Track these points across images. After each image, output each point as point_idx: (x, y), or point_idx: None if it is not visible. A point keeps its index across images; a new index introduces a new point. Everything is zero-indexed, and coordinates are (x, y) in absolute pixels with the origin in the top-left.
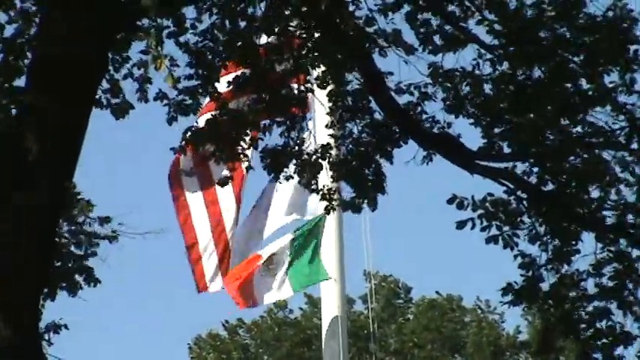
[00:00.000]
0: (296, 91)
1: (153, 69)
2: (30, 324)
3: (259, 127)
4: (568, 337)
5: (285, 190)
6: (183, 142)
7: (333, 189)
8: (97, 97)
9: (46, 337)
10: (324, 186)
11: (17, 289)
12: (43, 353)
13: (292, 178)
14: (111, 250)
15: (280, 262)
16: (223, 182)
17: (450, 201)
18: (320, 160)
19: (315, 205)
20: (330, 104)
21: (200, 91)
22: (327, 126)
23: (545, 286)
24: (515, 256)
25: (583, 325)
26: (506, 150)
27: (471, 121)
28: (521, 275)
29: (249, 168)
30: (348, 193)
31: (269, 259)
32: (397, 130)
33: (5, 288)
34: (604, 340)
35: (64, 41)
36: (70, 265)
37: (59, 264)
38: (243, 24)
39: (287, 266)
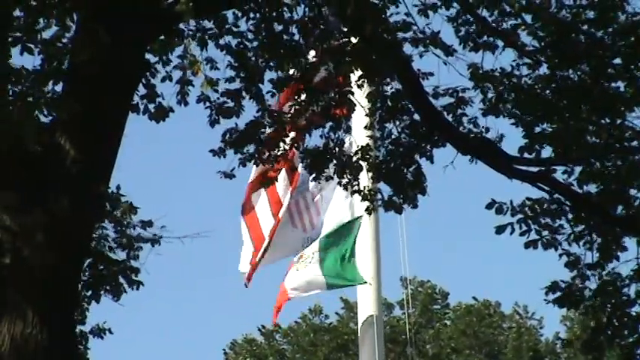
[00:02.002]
0: (337, 94)
1: (191, 74)
2: (66, 329)
3: (300, 128)
4: (613, 340)
5: (330, 196)
6: (223, 144)
7: (374, 190)
8: (135, 102)
9: (90, 341)
10: (364, 187)
11: (52, 295)
12: (79, 358)
13: (332, 178)
14: (148, 254)
15: (311, 259)
16: (267, 183)
17: (488, 206)
18: (360, 161)
19: (350, 207)
20: (369, 105)
21: (243, 93)
22: (366, 127)
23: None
24: (560, 255)
25: (624, 331)
26: (544, 153)
27: (512, 121)
28: (572, 278)
29: (294, 169)
30: (387, 194)
31: (301, 257)
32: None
33: (40, 293)
34: None
35: (101, 47)
36: (114, 268)
37: (102, 267)
38: (280, 27)
39: (319, 263)
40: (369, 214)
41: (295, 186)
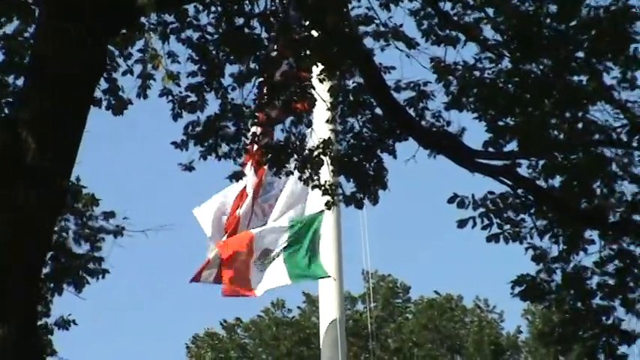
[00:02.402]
0: (298, 88)
1: (152, 68)
2: (29, 322)
3: (261, 122)
4: (576, 334)
5: (287, 188)
6: (185, 137)
7: (335, 184)
8: (97, 97)
9: (55, 333)
10: (325, 181)
11: (14, 288)
12: (42, 351)
13: (292, 173)
14: (112, 247)
15: (274, 255)
16: (237, 177)
17: (450, 200)
18: (321, 156)
19: (313, 202)
20: (331, 99)
21: (205, 87)
22: (327, 121)
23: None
24: (527, 249)
25: (586, 323)
26: (509, 146)
27: (475, 115)
28: (537, 272)
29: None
30: (348, 189)
31: (264, 252)
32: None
33: (3, 288)
34: (607, 339)
35: (62, 42)
36: (77, 261)
37: (64, 260)
38: (241, 20)
39: (282, 256)
40: (329, 208)
41: (260, 187)
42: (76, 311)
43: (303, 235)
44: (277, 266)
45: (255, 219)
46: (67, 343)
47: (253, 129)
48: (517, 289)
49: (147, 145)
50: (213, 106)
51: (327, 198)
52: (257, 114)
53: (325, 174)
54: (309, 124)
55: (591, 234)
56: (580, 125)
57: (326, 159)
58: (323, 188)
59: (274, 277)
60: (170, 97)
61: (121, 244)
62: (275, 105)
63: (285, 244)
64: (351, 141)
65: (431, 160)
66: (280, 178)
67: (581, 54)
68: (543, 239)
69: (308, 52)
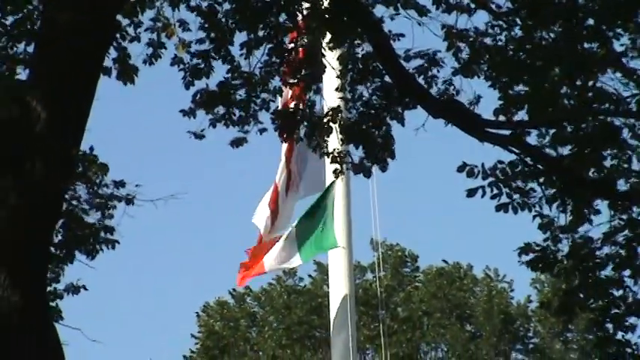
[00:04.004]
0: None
1: (165, 36)
2: (38, 290)
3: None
4: (585, 304)
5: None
6: (194, 105)
7: (343, 152)
8: (106, 65)
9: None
10: (334, 149)
11: (24, 256)
12: (50, 318)
13: (302, 140)
14: (122, 215)
15: (292, 235)
16: (237, 144)
17: (459, 169)
18: (330, 123)
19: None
20: (340, 67)
21: (212, 54)
22: (337, 89)
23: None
24: (534, 217)
25: (596, 294)
26: (519, 115)
27: (489, 83)
28: (544, 240)
29: (262, 131)
30: (357, 157)
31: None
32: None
33: (12, 255)
34: (616, 310)
35: (72, 8)
36: (88, 229)
37: (76, 228)
38: None
39: (296, 237)
40: (337, 176)
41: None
42: (86, 279)
43: (317, 210)
44: (289, 243)
45: (292, 185)
46: (77, 310)
47: (263, 95)
48: (524, 258)
49: (157, 114)
50: (221, 74)
51: (336, 166)
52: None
53: (334, 142)
54: (319, 92)
55: (597, 203)
56: (590, 94)
57: (335, 126)
58: (332, 156)
59: (285, 256)
60: (181, 66)
61: (130, 213)
62: (285, 72)
63: (299, 224)
64: (360, 109)
65: (440, 129)
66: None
67: (590, 21)
68: (552, 208)
69: (317, 21)
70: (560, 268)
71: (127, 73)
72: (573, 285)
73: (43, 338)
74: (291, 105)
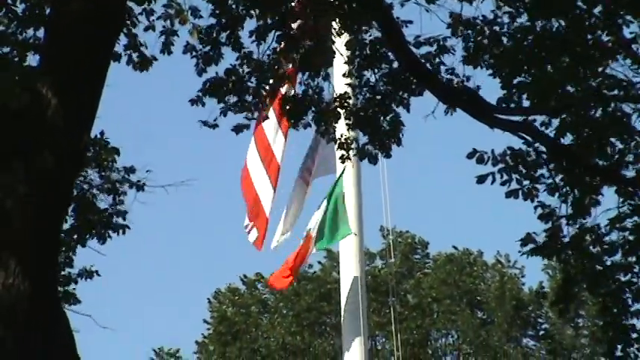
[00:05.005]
0: (316, 42)
1: (178, 23)
2: (48, 278)
3: (281, 76)
4: (589, 290)
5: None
6: (202, 93)
7: (350, 138)
8: (118, 52)
9: (79, 283)
10: (341, 135)
11: (34, 245)
12: (61, 306)
13: (310, 126)
14: (133, 202)
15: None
16: (239, 129)
17: (469, 155)
18: (338, 109)
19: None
20: (348, 53)
21: (222, 40)
22: (344, 75)
23: (566, 238)
24: (536, 207)
25: (604, 280)
26: (525, 103)
27: (490, 72)
28: (544, 231)
29: (265, 118)
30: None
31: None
32: (414, 80)
33: (22, 243)
34: (623, 296)
35: None
36: (99, 215)
37: (87, 213)
38: None
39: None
40: (343, 162)
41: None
42: (100, 263)
43: (329, 198)
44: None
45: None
46: (88, 296)
47: (272, 81)
48: (527, 248)
49: (168, 101)
50: (230, 61)
51: (343, 152)
52: (276, 67)
53: (342, 128)
54: (327, 78)
55: (604, 191)
56: (598, 81)
57: (342, 112)
58: (339, 142)
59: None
60: (194, 53)
61: (142, 199)
62: (293, 58)
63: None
64: (367, 94)
65: (449, 116)
66: (297, 130)
67: (599, 8)
68: (552, 196)
69: (327, 8)
70: (567, 254)
71: (143, 62)
72: (571, 274)
73: (50, 334)
74: (291, 89)
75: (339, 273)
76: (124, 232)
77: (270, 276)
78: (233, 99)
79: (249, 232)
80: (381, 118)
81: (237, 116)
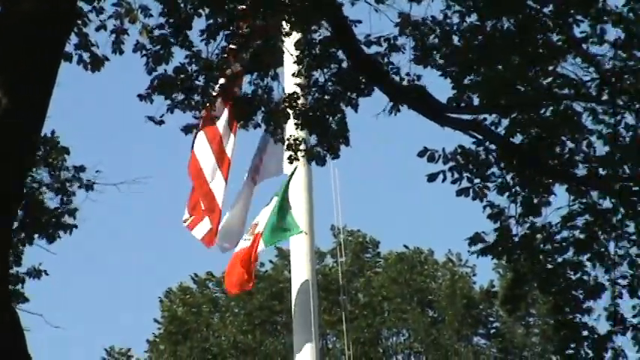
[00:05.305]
0: (265, 41)
1: (128, 22)
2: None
3: (229, 75)
4: (540, 289)
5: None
6: (150, 90)
7: (299, 139)
8: (68, 52)
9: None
10: (290, 136)
11: None
12: (11, 304)
13: (260, 126)
14: (84, 201)
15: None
16: (187, 130)
17: (420, 154)
18: (287, 109)
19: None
20: (298, 53)
21: (171, 39)
22: (294, 74)
23: (516, 238)
24: (485, 207)
25: (555, 278)
26: (476, 102)
27: (441, 72)
28: (495, 230)
29: (215, 118)
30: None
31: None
32: (363, 79)
33: None
34: (575, 293)
35: None
36: (48, 215)
37: (36, 211)
38: None
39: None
40: (291, 162)
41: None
42: (48, 263)
43: (278, 196)
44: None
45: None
46: (38, 296)
47: (221, 81)
48: (474, 247)
49: (118, 99)
50: (180, 59)
51: (291, 153)
52: (225, 67)
53: (291, 128)
54: (276, 77)
55: (552, 190)
56: (549, 79)
57: (292, 112)
58: (287, 143)
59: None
60: (144, 52)
61: (93, 197)
62: (242, 58)
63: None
64: (316, 95)
65: (401, 114)
66: (247, 130)
67: (549, 8)
68: (502, 196)
69: (276, 7)
70: (517, 253)
71: (94, 63)
72: (521, 273)
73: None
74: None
75: (290, 272)
76: (70, 232)
77: (225, 281)
78: (180, 96)
79: (191, 228)
80: (330, 118)
81: (185, 115)
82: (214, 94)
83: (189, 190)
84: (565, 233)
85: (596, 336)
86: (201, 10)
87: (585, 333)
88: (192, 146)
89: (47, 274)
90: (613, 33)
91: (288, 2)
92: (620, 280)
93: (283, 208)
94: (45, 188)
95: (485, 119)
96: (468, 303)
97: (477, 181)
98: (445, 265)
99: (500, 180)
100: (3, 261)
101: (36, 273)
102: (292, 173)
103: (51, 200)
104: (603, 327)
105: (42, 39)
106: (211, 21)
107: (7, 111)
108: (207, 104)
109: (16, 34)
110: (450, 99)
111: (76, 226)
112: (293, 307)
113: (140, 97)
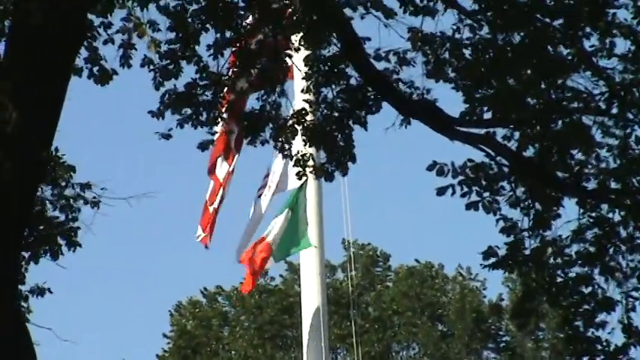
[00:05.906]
0: (274, 58)
1: (136, 36)
2: (8, 292)
3: (238, 91)
4: (550, 303)
5: (276, 168)
6: (161, 107)
7: (307, 155)
8: (78, 65)
9: (29, 300)
10: (298, 151)
11: None
12: (22, 319)
13: (268, 142)
14: (93, 216)
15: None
16: (203, 147)
17: (429, 167)
18: (295, 125)
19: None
20: (307, 69)
21: (180, 54)
22: (302, 91)
23: (527, 251)
24: (497, 221)
25: (565, 292)
26: (487, 115)
27: (452, 85)
28: (505, 243)
29: (228, 132)
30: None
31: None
32: (372, 96)
33: None
34: (586, 307)
35: (42, 8)
36: (52, 230)
37: (41, 228)
38: None
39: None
40: (299, 179)
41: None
42: (58, 277)
43: (288, 210)
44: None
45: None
46: (48, 310)
47: (232, 96)
48: (488, 261)
49: (127, 114)
50: (190, 75)
51: (299, 169)
52: (232, 82)
53: (299, 144)
54: (284, 94)
55: (562, 204)
56: (559, 93)
57: (300, 128)
58: (295, 159)
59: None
60: (151, 67)
61: (103, 211)
62: (250, 73)
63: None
64: (325, 111)
65: (410, 129)
66: (256, 146)
67: (559, 21)
68: (515, 209)
69: (285, 22)
70: (528, 267)
71: (103, 76)
72: (531, 287)
73: (13, 348)
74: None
75: (300, 286)
76: (74, 250)
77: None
78: (189, 111)
79: (205, 243)
80: (338, 135)
81: (192, 129)
82: (222, 110)
83: (201, 206)
84: (575, 247)
85: (609, 349)
86: (208, 25)
87: (599, 347)
88: (214, 170)
89: (51, 292)
90: (622, 46)
91: (299, 18)
92: (633, 293)
93: (295, 222)
94: (49, 205)
95: (495, 133)
96: (477, 317)
97: (486, 194)
98: (455, 279)
99: (510, 194)
100: (14, 278)
101: (40, 291)
102: (302, 186)
103: (55, 218)
104: (619, 340)
105: (52, 52)
106: (219, 35)
107: (18, 124)
108: (219, 120)
109: (27, 47)
110: (463, 113)
111: (79, 245)
112: (303, 321)
113: (152, 113)
